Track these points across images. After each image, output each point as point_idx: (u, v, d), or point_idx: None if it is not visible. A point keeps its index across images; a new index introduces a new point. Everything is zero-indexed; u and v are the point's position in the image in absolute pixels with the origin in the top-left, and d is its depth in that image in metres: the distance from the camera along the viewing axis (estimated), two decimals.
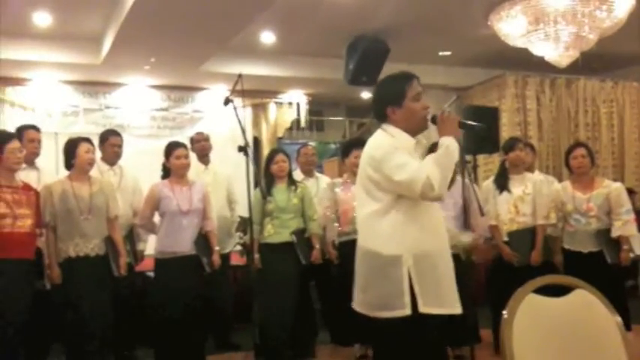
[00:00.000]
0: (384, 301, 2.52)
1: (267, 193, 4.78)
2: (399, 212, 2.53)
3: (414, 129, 2.58)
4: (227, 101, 3.80)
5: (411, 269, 2.48)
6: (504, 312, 1.70)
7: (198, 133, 5.69)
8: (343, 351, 5.15)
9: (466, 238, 4.45)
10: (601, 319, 1.76)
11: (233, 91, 3.86)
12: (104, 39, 7.32)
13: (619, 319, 1.79)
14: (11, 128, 5.02)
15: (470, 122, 2.61)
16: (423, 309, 2.45)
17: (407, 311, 2.46)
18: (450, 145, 2.49)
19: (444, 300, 2.51)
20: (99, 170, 4.83)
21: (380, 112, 2.69)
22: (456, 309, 2.54)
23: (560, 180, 5.76)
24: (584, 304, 1.77)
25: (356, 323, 3.02)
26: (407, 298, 2.46)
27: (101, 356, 4.26)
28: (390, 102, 2.64)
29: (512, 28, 7.03)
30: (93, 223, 4.22)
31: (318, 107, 10.29)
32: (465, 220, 4.28)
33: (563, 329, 1.72)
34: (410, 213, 2.54)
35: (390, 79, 2.72)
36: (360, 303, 2.65)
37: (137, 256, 4.97)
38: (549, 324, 1.72)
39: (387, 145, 2.58)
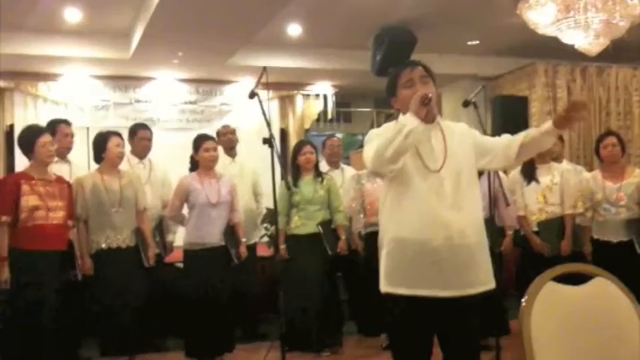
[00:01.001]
0: (381, 276, 2.65)
1: (293, 184, 4.83)
2: (391, 198, 2.62)
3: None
4: (252, 94, 3.82)
5: (385, 252, 2.59)
6: (523, 299, 1.70)
7: (225, 126, 5.73)
8: (370, 341, 5.18)
9: None
10: (621, 308, 1.76)
11: (258, 84, 3.88)
12: (133, 34, 7.42)
13: None
14: (44, 123, 5.11)
15: (428, 96, 2.50)
16: (384, 288, 2.56)
17: (383, 288, 2.58)
18: (400, 121, 2.50)
19: (413, 282, 2.51)
20: (129, 164, 4.91)
21: (390, 107, 2.77)
22: (438, 292, 2.51)
23: (591, 169, 5.69)
24: (604, 292, 1.77)
25: (382, 313, 3.05)
26: (381, 277, 2.59)
27: (134, 346, 4.36)
28: (389, 94, 2.72)
29: (541, 16, 6.92)
30: (123, 216, 4.31)
31: (345, 99, 10.29)
32: (491, 211, 4.25)
33: (581, 317, 1.72)
34: (398, 199, 2.59)
35: (390, 72, 2.79)
36: None
37: (167, 247, 5.06)
38: (568, 312, 1.71)
39: (370, 133, 2.68)
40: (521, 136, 2.65)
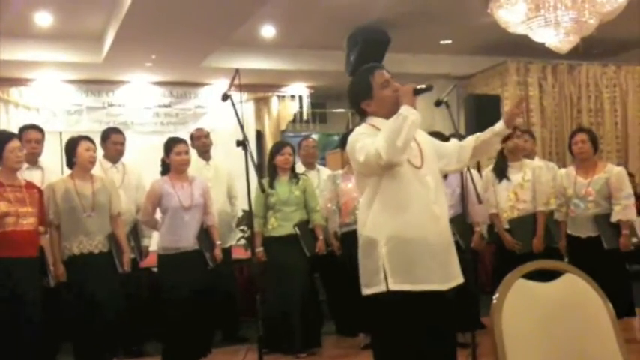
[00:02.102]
0: (366, 279, 2.69)
1: (269, 185, 4.83)
2: (383, 197, 2.65)
3: (392, 113, 2.62)
4: (225, 97, 3.80)
5: (385, 250, 2.61)
6: (494, 297, 1.72)
7: (198, 130, 5.69)
8: (348, 341, 5.19)
9: None
10: (590, 304, 1.77)
11: (231, 86, 3.87)
12: (105, 37, 7.36)
13: (609, 304, 1.80)
14: (16, 128, 5.06)
15: (421, 86, 2.66)
16: (392, 286, 2.57)
17: (382, 287, 2.59)
18: (401, 113, 2.55)
19: (418, 277, 2.58)
20: (102, 168, 4.86)
21: (359, 111, 2.82)
22: (439, 286, 2.61)
23: (563, 166, 5.76)
24: (573, 288, 1.79)
25: (360, 313, 3.10)
26: (382, 275, 2.60)
27: (110, 352, 4.33)
28: (362, 97, 2.76)
29: (512, 15, 7.01)
30: (96, 221, 4.27)
31: (320, 99, 10.32)
32: (463, 208, 4.29)
33: (552, 313, 1.73)
34: (392, 198, 2.64)
35: (355, 76, 2.87)
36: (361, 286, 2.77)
37: (142, 252, 5.02)
38: (538, 308, 1.73)
39: (356, 133, 2.72)
40: (472, 139, 2.83)
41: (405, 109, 2.56)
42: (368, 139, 2.61)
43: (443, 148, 2.90)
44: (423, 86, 2.67)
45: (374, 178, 2.68)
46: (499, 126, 2.78)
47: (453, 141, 3.07)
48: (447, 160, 2.86)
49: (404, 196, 2.63)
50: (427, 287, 2.58)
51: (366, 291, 2.68)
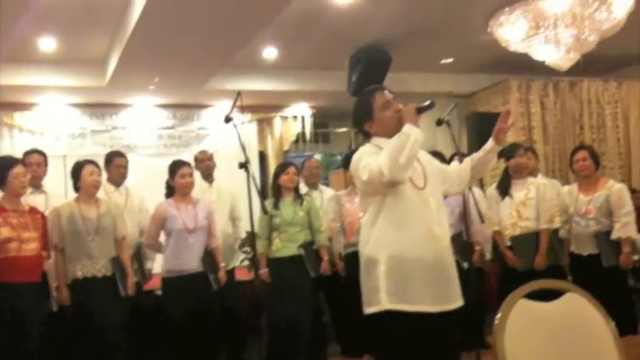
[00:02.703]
0: (367, 298, 2.71)
1: (274, 206, 4.84)
2: (385, 217, 2.68)
3: (395, 133, 2.66)
4: (227, 119, 3.84)
5: (384, 269, 2.63)
6: (496, 317, 1.72)
7: (202, 152, 5.72)
8: None
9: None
10: (592, 323, 1.77)
11: (233, 109, 3.90)
12: (109, 61, 7.42)
13: (612, 323, 1.79)
14: (20, 153, 5.08)
15: (423, 105, 2.71)
16: (388, 305, 2.59)
17: (380, 306, 2.61)
18: (404, 131, 2.59)
19: (413, 298, 2.59)
20: (105, 191, 4.88)
21: (362, 132, 2.88)
22: (433, 308, 2.61)
23: (566, 183, 5.75)
24: (575, 308, 1.79)
25: (365, 333, 3.10)
26: (380, 295, 2.62)
27: None
28: (364, 119, 2.82)
29: (512, 33, 7.04)
30: (100, 245, 4.27)
31: (323, 119, 10.35)
32: (466, 228, 4.29)
33: (554, 333, 1.73)
34: (394, 217, 2.67)
35: (357, 99, 2.92)
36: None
37: (145, 274, 5.01)
38: (540, 328, 1.73)
39: (360, 152, 2.76)
40: (469, 160, 2.89)
41: (408, 128, 2.60)
42: (371, 157, 2.65)
43: (446, 170, 2.95)
44: (426, 104, 2.71)
45: (377, 197, 2.70)
46: (490, 143, 2.83)
47: (454, 163, 3.10)
48: (449, 183, 2.91)
49: (405, 215, 2.66)
50: (422, 308, 2.59)
51: (367, 310, 2.70)
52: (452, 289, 2.71)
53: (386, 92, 2.80)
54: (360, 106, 2.84)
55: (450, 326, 2.70)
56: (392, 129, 2.68)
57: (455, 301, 2.70)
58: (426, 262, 2.63)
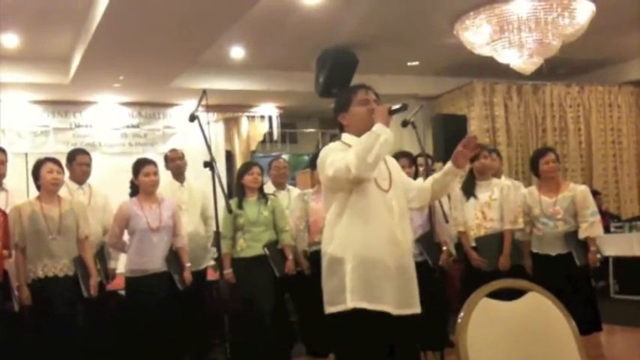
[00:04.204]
0: (331, 297, 2.69)
1: (238, 206, 4.82)
2: (349, 216, 2.68)
3: (364, 130, 2.67)
4: (192, 117, 3.81)
5: (350, 267, 2.62)
6: (459, 316, 1.74)
7: (173, 151, 5.63)
8: None
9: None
10: (554, 322, 1.80)
11: (198, 107, 3.87)
12: (72, 58, 7.31)
13: (573, 322, 1.83)
14: None
15: (395, 107, 2.74)
16: (351, 304, 2.59)
17: (345, 305, 2.61)
18: (374, 131, 2.61)
19: (375, 297, 2.60)
20: (68, 189, 4.80)
21: (337, 123, 2.90)
22: (392, 309, 2.62)
23: (529, 185, 5.85)
24: (537, 307, 1.81)
25: (331, 333, 3.09)
26: (345, 294, 2.61)
27: None
28: (340, 109, 2.85)
29: (477, 36, 7.15)
30: (62, 244, 4.20)
31: (290, 120, 10.35)
32: (431, 228, 4.33)
33: (516, 332, 1.76)
34: (359, 215, 2.67)
35: (341, 91, 2.97)
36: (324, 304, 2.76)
37: (109, 274, 4.95)
38: (503, 327, 1.75)
39: (328, 148, 2.78)
40: (430, 180, 2.91)
41: (378, 128, 2.62)
42: (339, 154, 2.66)
43: (408, 184, 2.96)
44: (398, 106, 2.74)
45: (342, 194, 2.70)
46: (448, 166, 2.84)
47: (420, 179, 3.17)
48: (411, 196, 2.91)
49: (369, 215, 2.67)
50: (382, 308, 2.60)
51: (330, 309, 2.69)
52: (412, 295, 2.72)
53: (370, 92, 2.82)
54: (341, 96, 2.88)
55: (411, 329, 2.71)
56: (362, 126, 2.70)
57: (414, 307, 2.71)
58: (389, 265, 2.65)
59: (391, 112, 2.71)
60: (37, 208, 4.22)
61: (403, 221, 2.77)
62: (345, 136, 2.82)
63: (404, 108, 2.77)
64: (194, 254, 4.94)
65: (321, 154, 2.78)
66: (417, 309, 2.71)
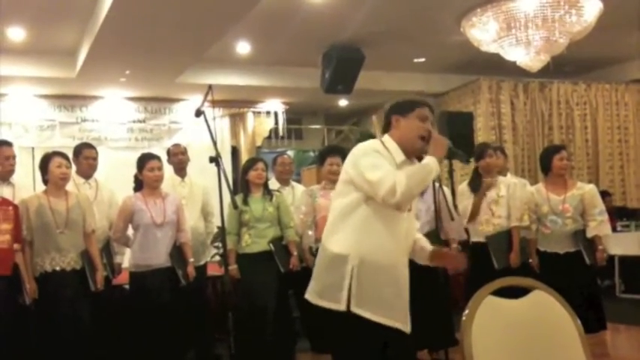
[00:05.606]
0: (325, 291, 2.60)
1: (243, 202, 4.82)
2: (363, 215, 2.60)
3: (408, 147, 2.65)
4: (198, 113, 3.80)
5: (355, 269, 2.54)
6: (464, 314, 1.73)
7: (175, 146, 5.63)
8: (323, 358, 5.15)
9: None
10: (559, 320, 1.80)
11: (204, 102, 3.87)
12: (79, 52, 7.32)
13: (577, 320, 1.82)
14: None
15: (459, 152, 2.67)
16: (353, 308, 2.51)
17: (341, 306, 2.52)
18: (429, 164, 2.57)
19: (381, 309, 2.54)
20: (74, 184, 4.80)
21: (387, 121, 2.79)
22: (397, 323, 2.58)
23: (535, 182, 5.83)
24: (542, 305, 1.81)
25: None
26: (344, 294, 2.52)
27: None
28: (399, 111, 2.75)
29: (483, 33, 7.13)
30: (69, 237, 4.22)
31: (296, 116, 10.36)
32: (437, 225, 4.32)
33: (521, 330, 1.76)
34: (373, 219, 2.59)
35: (409, 98, 2.86)
36: (309, 291, 2.71)
37: (114, 269, 4.96)
38: (508, 325, 1.75)
39: (370, 146, 2.68)
40: (417, 237, 2.84)
41: (434, 162, 2.58)
42: (386, 163, 2.58)
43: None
44: (460, 152, 2.67)
45: (357, 196, 2.61)
46: (428, 252, 2.80)
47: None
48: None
49: (383, 221, 2.60)
50: (387, 322, 2.55)
51: (320, 302, 2.62)
52: (406, 315, 2.68)
53: (431, 114, 2.76)
54: (403, 102, 2.79)
55: (406, 340, 2.66)
56: (409, 139, 2.67)
57: (407, 325, 2.67)
58: (396, 275, 2.61)
59: (450, 154, 2.64)
60: (44, 202, 4.23)
61: (411, 230, 2.76)
62: (387, 139, 2.73)
63: (465, 160, 2.74)
64: (193, 249, 4.92)
65: (362, 146, 2.68)
66: (408, 328, 2.66)
